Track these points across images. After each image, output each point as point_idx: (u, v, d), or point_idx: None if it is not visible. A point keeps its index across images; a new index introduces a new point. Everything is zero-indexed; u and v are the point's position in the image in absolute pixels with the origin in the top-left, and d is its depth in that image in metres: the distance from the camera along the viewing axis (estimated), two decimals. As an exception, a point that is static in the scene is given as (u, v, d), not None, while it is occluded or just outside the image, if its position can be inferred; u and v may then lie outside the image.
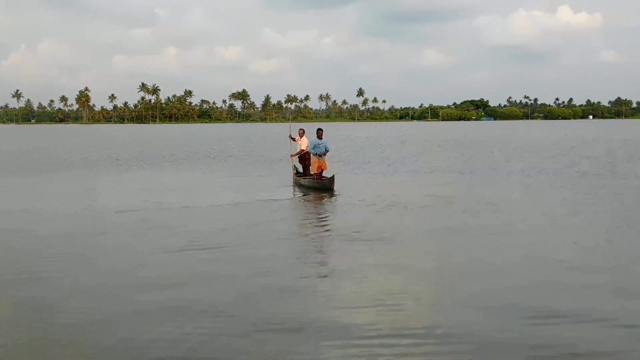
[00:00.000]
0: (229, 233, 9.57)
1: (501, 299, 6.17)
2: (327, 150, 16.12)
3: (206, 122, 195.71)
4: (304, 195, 14.63)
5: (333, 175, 15.18)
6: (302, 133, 17.36)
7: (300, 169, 17.51)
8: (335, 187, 14.95)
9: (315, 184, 15.63)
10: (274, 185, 16.79)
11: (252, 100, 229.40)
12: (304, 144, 17.16)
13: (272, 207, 12.46)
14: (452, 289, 6.61)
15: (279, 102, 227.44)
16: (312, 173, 16.17)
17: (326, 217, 11.43)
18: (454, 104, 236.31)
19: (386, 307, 5.90)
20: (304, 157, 17.15)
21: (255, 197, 14.06)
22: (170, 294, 6.38)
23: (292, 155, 17.59)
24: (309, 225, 10.62)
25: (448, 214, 11.36)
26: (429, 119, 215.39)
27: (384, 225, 10.04)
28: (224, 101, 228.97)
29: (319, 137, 16.08)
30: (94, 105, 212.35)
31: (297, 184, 16.55)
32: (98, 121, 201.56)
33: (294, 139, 17.67)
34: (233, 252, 8.30)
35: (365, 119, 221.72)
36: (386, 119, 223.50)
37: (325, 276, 7.12)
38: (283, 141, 38.18)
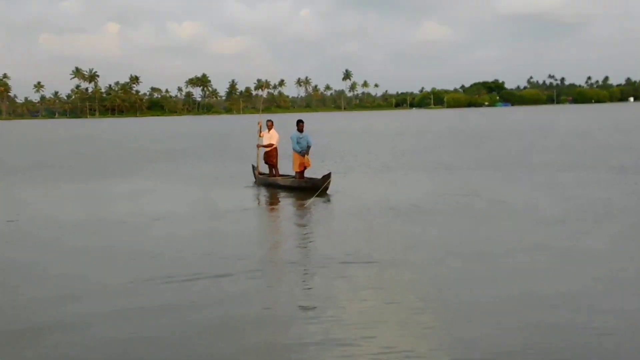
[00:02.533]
0: (184, 256, 9.32)
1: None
2: (309, 146, 16.35)
3: (158, 115, 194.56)
4: (272, 198, 14.79)
5: (329, 173, 15.32)
6: (270, 125, 17.47)
7: (263, 168, 17.66)
8: (330, 188, 15.15)
9: (301, 183, 15.81)
10: (240, 188, 16.99)
11: (213, 87, 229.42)
12: (273, 138, 17.27)
13: (241, 218, 12.56)
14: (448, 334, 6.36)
15: (247, 89, 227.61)
16: (294, 172, 16.43)
17: (310, 231, 11.38)
18: (462, 87, 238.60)
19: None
20: (270, 154, 17.24)
21: (218, 206, 14.09)
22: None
23: (259, 146, 17.68)
24: (289, 245, 10.32)
25: (456, 224, 11.33)
26: (432, 106, 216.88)
27: (380, 244, 9.83)
28: (179, 89, 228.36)
29: (300, 130, 16.36)
30: (15, 96, 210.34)
31: (265, 184, 16.84)
32: (21, 116, 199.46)
33: (259, 134, 17.76)
34: (198, 283, 7.90)
35: (353, 108, 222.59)
36: (379, 107, 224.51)
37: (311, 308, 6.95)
38: (252, 134, 37.91)
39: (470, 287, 7.54)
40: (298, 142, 16.24)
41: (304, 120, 16.73)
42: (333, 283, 7.78)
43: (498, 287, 7.55)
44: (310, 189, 15.13)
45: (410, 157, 26.12)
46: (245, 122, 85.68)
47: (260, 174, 17.65)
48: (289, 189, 15.85)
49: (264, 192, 16.25)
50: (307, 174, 16.46)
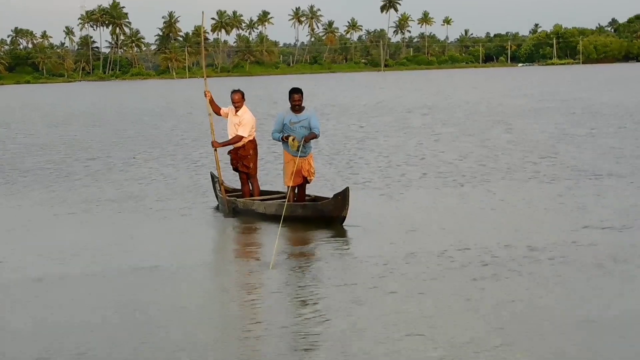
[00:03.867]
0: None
1: None
2: (314, 135, 16.40)
3: (29, 82, 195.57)
4: (248, 240, 15.15)
5: (346, 189, 15.82)
6: (238, 100, 17.54)
7: (232, 180, 18.22)
8: (348, 215, 15.61)
9: (296, 209, 16.24)
10: (188, 222, 17.37)
11: (134, 27, 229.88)
12: (244, 124, 17.39)
13: (191, 286, 12.58)
14: None
15: (198, 30, 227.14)
16: (286, 186, 16.66)
17: (323, 313, 10.65)
18: (612, 23, 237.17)
19: None
20: (242, 155, 17.49)
21: (149, 259, 14.16)
22: None
23: (216, 145, 17.90)
24: (287, 343, 9.65)
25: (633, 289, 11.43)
26: (555, 60, 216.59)
27: (473, 339, 9.33)
28: (69, 32, 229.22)
29: (296, 107, 16.50)
30: None
31: (235, 210, 17.18)
32: None
33: (218, 111, 17.90)
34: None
35: (403, 65, 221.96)
36: (454, 62, 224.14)
37: None
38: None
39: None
40: (290, 127, 16.29)
41: (302, 91, 16.63)
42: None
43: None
44: (316, 217, 15.58)
45: (518, 156, 26.16)
46: (195, 93, 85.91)
47: (227, 190, 17.91)
48: (278, 219, 15.13)
49: (233, 229, 16.46)
50: (309, 189, 16.79)
